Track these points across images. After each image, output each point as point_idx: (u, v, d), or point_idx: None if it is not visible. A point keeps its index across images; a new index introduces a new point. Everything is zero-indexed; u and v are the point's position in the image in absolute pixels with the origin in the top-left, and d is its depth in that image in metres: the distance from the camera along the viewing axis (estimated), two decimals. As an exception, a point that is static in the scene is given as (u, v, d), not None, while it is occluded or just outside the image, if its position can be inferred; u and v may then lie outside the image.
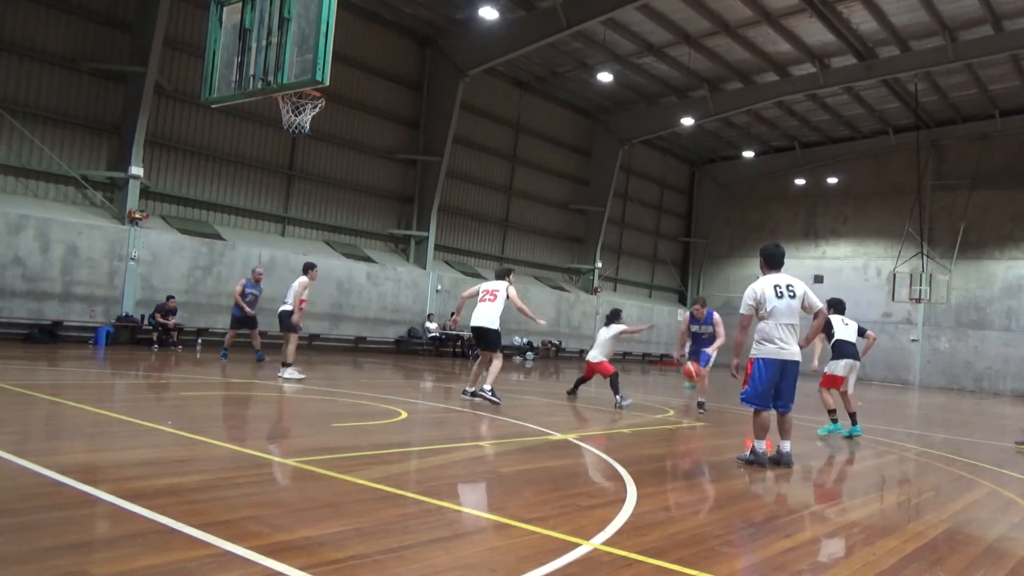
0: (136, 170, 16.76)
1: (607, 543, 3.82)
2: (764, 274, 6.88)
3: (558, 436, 7.68)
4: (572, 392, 11.78)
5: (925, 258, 25.98)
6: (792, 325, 6.66)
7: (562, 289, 28.60)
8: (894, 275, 26.69)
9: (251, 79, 8.16)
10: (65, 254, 15.66)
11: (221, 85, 8.54)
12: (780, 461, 6.70)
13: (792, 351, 6.65)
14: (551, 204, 28.81)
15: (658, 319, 31.31)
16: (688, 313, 11.43)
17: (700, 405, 11.15)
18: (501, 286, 10.31)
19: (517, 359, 23.18)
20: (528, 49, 21.74)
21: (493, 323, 10.15)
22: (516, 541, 3.81)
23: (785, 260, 7.02)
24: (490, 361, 10.18)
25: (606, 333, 11.33)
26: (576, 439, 7.58)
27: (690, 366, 11.08)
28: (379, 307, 21.78)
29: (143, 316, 16.57)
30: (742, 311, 6.74)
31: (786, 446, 6.76)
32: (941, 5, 20.01)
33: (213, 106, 10.40)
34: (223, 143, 19.28)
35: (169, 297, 16.35)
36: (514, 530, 3.97)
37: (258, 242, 19.30)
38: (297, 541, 3.48)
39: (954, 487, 6.74)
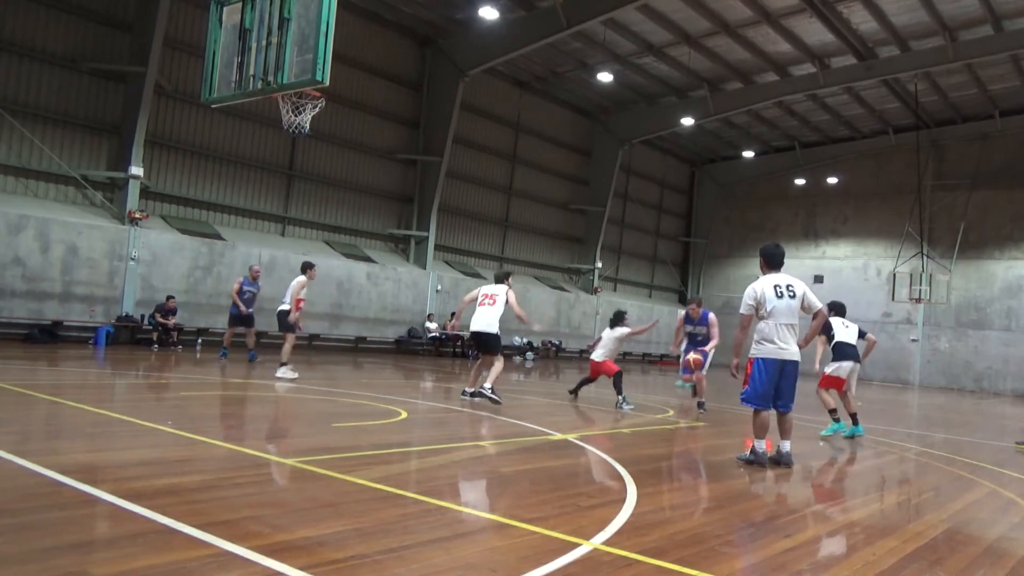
0: (136, 170, 16.76)
1: (607, 543, 3.82)
2: (764, 274, 6.88)
3: (558, 436, 7.68)
4: (574, 392, 11.76)
5: (925, 258, 25.98)
6: (791, 325, 6.67)
7: (562, 289, 28.60)
8: (894, 275, 26.68)
9: (251, 79, 8.15)
10: (65, 254, 15.66)
11: (221, 85, 8.53)
12: (780, 461, 6.71)
13: (792, 351, 6.65)
14: (551, 204, 28.81)
15: (658, 319, 31.26)
16: (683, 313, 11.37)
17: (700, 405, 11.15)
18: (501, 290, 10.28)
19: (517, 359, 23.18)
20: (528, 49, 21.73)
21: (492, 327, 10.11)
22: (516, 541, 3.81)
23: (785, 260, 7.02)
24: (491, 363, 10.17)
25: (610, 334, 11.30)
26: (576, 439, 7.58)
27: (691, 357, 11.00)
28: (379, 307, 21.78)
29: (143, 316, 16.57)
30: (742, 311, 6.74)
31: (786, 446, 6.77)
32: (941, 5, 20.01)
33: (213, 106, 10.40)
34: (223, 143, 19.28)
35: (169, 297, 16.35)
36: (514, 530, 3.97)
37: (258, 242, 19.30)
38: (297, 541, 3.48)
39: (954, 487, 6.74)
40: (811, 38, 22.03)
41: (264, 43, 8.02)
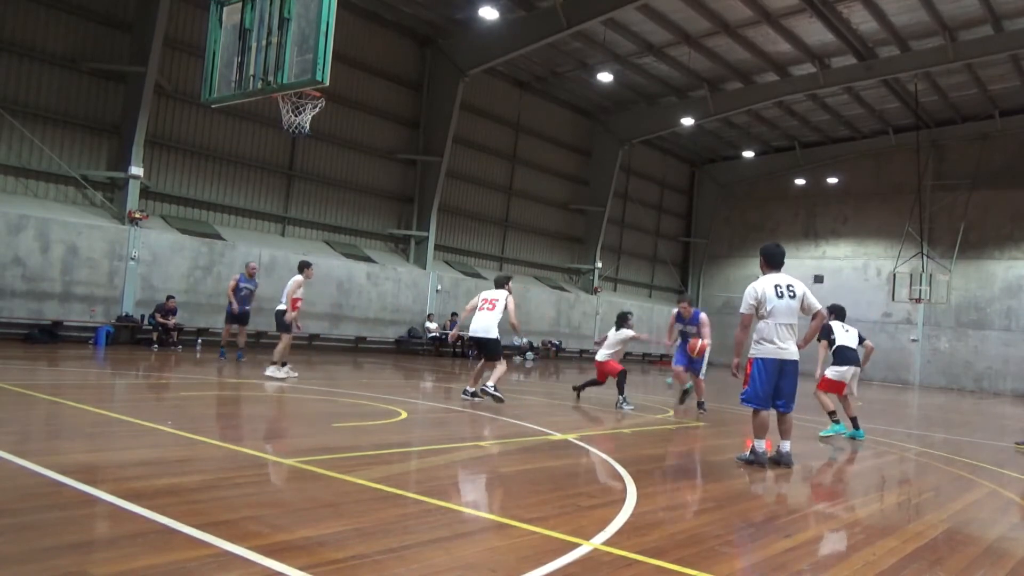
0: (136, 170, 16.75)
1: (607, 543, 3.82)
2: (764, 273, 6.89)
3: (558, 436, 7.68)
4: (578, 390, 11.73)
5: (925, 258, 25.98)
6: (791, 325, 6.68)
7: (562, 289, 28.59)
8: (894, 275, 26.69)
9: (251, 79, 8.15)
10: (65, 254, 15.66)
11: (221, 85, 8.53)
12: (780, 461, 6.71)
13: (791, 351, 6.66)
14: (551, 204, 28.81)
15: (658, 319, 31.27)
16: (675, 311, 11.31)
17: (700, 405, 11.14)
18: (501, 295, 10.26)
19: (517, 359, 23.18)
20: (528, 49, 21.73)
21: (491, 332, 10.09)
22: (516, 541, 3.81)
23: (785, 260, 7.03)
24: (494, 367, 10.17)
25: (614, 335, 11.27)
26: (576, 439, 7.58)
27: (679, 368, 11.01)
28: (379, 307, 21.78)
29: (143, 316, 16.56)
30: (743, 310, 6.75)
31: (786, 446, 6.77)
32: (941, 5, 20.01)
33: (213, 106, 10.39)
34: (223, 143, 19.28)
35: (169, 297, 16.35)
36: (514, 530, 3.97)
37: (258, 242, 19.30)
38: (297, 541, 3.48)
39: (954, 487, 6.74)
40: (811, 38, 22.03)
41: (264, 43, 8.01)
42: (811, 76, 23.97)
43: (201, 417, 7.58)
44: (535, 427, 8.21)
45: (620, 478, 5.65)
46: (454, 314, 22.70)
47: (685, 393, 11.11)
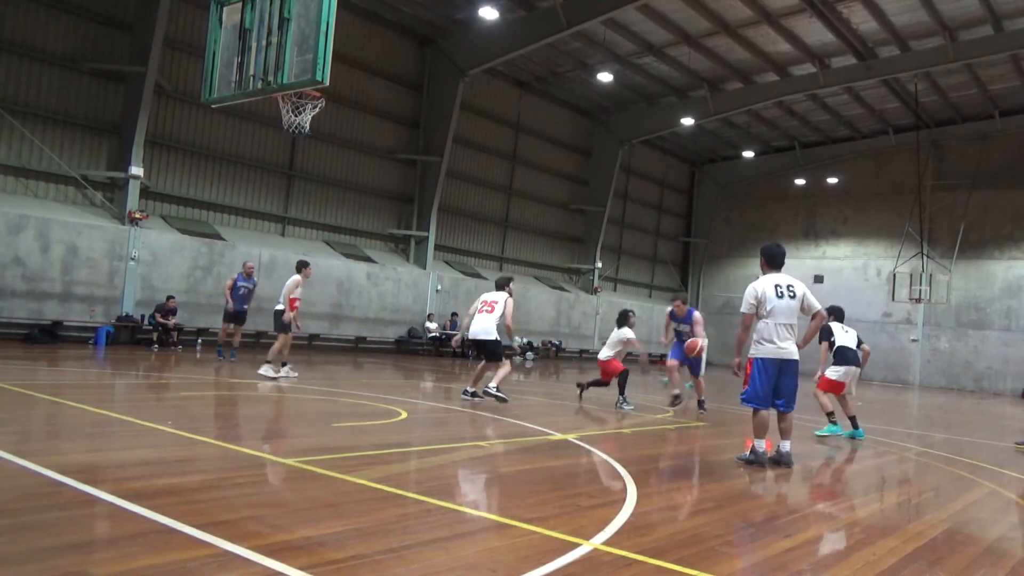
0: (136, 170, 16.76)
1: (607, 543, 3.82)
2: (764, 273, 6.89)
3: (558, 436, 7.68)
4: (582, 388, 11.68)
5: (925, 258, 25.98)
6: (791, 325, 6.68)
7: (562, 289, 28.59)
8: (894, 275, 26.69)
9: (251, 79, 8.15)
10: (65, 254, 15.66)
11: (221, 85, 8.53)
12: (780, 461, 6.71)
13: (791, 351, 6.66)
14: (551, 204, 28.81)
15: (658, 319, 31.20)
16: (669, 310, 11.28)
17: (700, 404, 11.13)
18: (500, 297, 10.24)
19: (517, 359, 23.18)
20: (528, 49, 21.73)
21: (490, 334, 10.07)
22: (516, 541, 3.81)
23: (785, 260, 7.03)
24: (497, 368, 10.16)
25: (615, 335, 11.24)
26: (576, 439, 7.58)
27: (673, 363, 10.98)
28: (379, 307, 21.78)
29: (143, 316, 16.57)
30: (743, 309, 6.75)
31: (786, 446, 6.77)
32: (941, 5, 20.01)
33: (213, 106, 10.39)
34: (223, 143, 19.28)
35: (169, 297, 16.35)
36: (514, 530, 3.97)
37: (258, 242, 19.31)
38: (297, 541, 3.48)
39: (954, 487, 6.74)
40: (811, 38, 22.03)
41: (264, 43, 8.01)
42: (811, 76, 23.97)
43: (201, 417, 7.58)
44: (535, 427, 8.21)
45: (620, 478, 5.65)
46: (454, 314, 22.71)
47: (676, 397, 11.03)
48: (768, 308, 6.62)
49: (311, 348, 19.77)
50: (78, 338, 15.93)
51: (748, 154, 32.48)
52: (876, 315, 30.59)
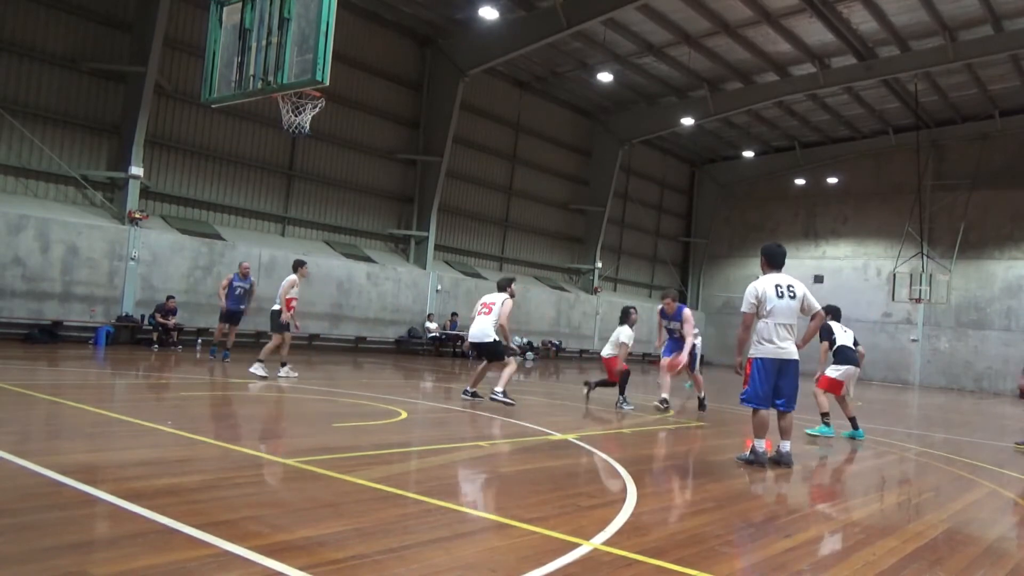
0: (136, 170, 16.76)
1: (607, 543, 3.82)
2: (765, 273, 6.89)
3: (558, 436, 7.68)
4: (590, 386, 11.63)
5: (925, 258, 25.97)
6: (790, 325, 6.68)
7: (562, 289, 28.59)
8: (894, 275, 26.69)
9: (251, 79, 8.15)
10: (65, 254, 15.66)
11: (221, 85, 8.53)
12: (780, 461, 6.71)
13: (791, 350, 6.66)
14: (551, 204, 28.81)
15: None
16: (659, 307, 11.20)
17: (701, 404, 11.12)
18: (499, 298, 10.17)
19: (519, 358, 23.17)
20: (528, 49, 21.73)
21: (487, 336, 10.03)
22: (516, 541, 3.81)
23: (786, 260, 7.03)
24: (501, 368, 10.14)
25: (616, 335, 11.20)
26: (576, 439, 7.58)
27: (665, 362, 10.97)
28: (379, 307, 21.78)
29: (143, 316, 16.57)
30: (744, 309, 6.76)
31: (786, 446, 6.77)
32: (941, 5, 20.00)
33: (213, 106, 10.39)
34: (223, 143, 19.28)
35: (169, 297, 16.35)
36: (514, 530, 3.97)
37: (258, 242, 19.30)
38: (297, 541, 3.48)
39: (954, 487, 6.74)
40: (811, 38, 22.03)
41: (264, 43, 8.01)
42: (811, 76, 23.97)
43: (201, 417, 7.58)
44: (535, 427, 8.21)
45: (620, 478, 5.65)
46: (454, 314, 22.72)
47: (664, 401, 10.98)
48: (768, 308, 6.62)
49: (311, 348, 19.77)
50: (78, 338, 15.93)
51: (748, 154, 32.48)
52: (876, 315, 30.59)
